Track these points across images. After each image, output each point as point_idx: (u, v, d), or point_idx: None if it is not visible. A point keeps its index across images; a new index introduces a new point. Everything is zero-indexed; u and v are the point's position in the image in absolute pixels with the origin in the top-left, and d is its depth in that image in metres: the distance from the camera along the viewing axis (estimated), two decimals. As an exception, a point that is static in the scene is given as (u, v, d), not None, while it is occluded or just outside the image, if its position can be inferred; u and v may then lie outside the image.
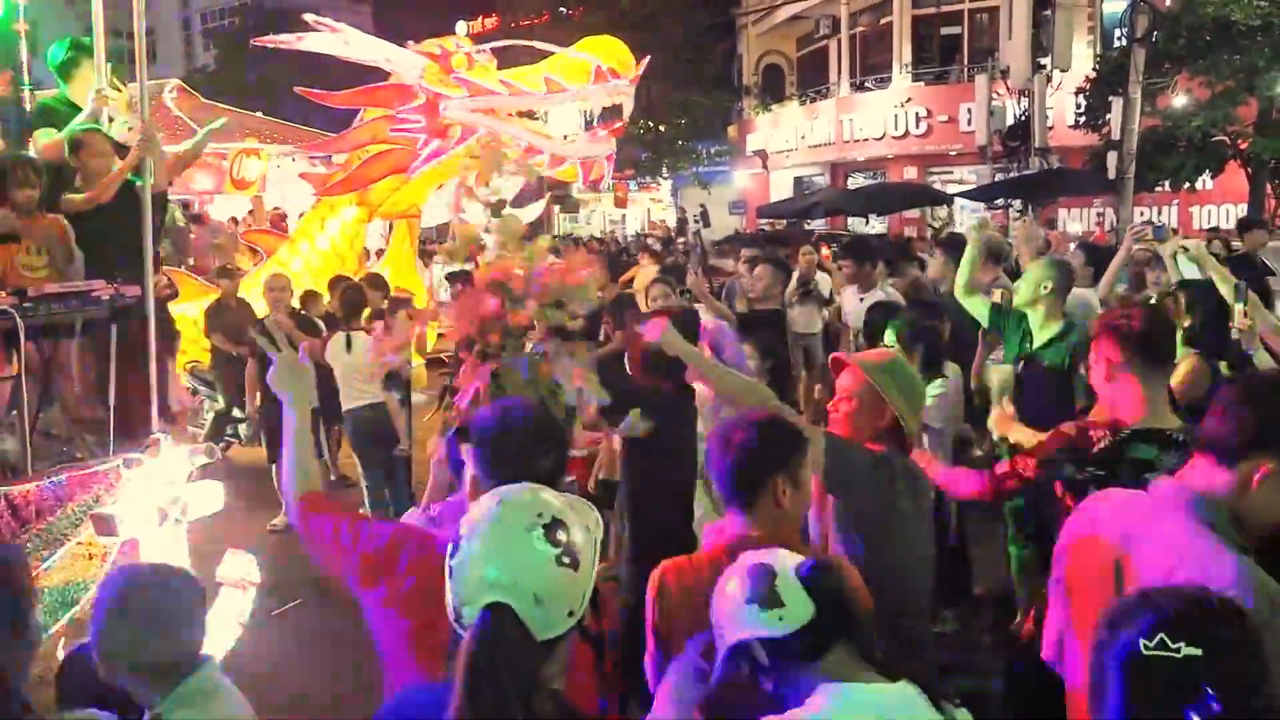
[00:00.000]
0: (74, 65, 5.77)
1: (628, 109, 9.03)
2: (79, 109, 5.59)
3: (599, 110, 8.89)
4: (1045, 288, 4.66)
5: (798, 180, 31.98)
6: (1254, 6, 16.93)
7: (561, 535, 1.68)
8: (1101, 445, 2.90)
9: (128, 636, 2.17)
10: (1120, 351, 2.94)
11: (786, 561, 1.91)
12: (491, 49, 9.02)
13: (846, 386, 3.04)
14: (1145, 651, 1.43)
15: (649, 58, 9.19)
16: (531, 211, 12.48)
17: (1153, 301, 5.85)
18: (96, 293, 4.46)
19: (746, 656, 1.85)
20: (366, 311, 7.25)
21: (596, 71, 8.60)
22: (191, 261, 12.31)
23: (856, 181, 29.12)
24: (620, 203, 34.59)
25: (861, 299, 6.65)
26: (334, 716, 4.83)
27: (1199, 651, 1.41)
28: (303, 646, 5.60)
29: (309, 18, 8.81)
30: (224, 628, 4.41)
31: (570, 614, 1.66)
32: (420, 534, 2.38)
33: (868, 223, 26.66)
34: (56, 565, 4.05)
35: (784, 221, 25.51)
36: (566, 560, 1.66)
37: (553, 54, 9.11)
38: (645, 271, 9.54)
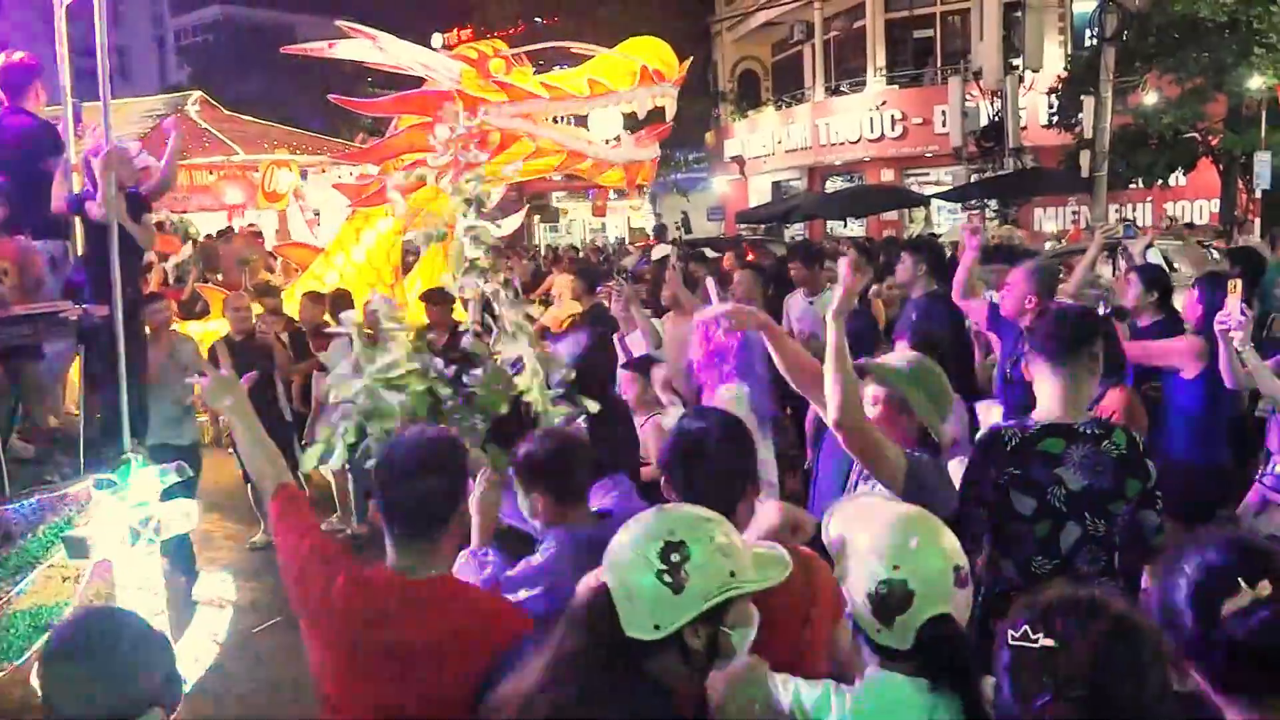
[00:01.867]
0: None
1: (670, 111, 8.77)
2: None
3: (644, 113, 8.63)
4: (1029, 302, 4.68)
5: (775, 185, 32.09)
6: (1221, 4, 17.12)
7: (675, 557, 1.78)
8: (1013, 443, 2.95)
9: (66, 686, 2.02)
10: (1033, 348, 3.05)
11: (932, 604, 1.91)
12: (527, 52, 8.75)
13: (873, 394, 3.03)
14: (1011, 642, 1.51)
15: (690, 60, 8.98)
16: (511, 222, 12.29)
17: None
18: (64, 314, 4.43)
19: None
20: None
21: (642, 73, 8.32)
22: (220, 277, 12.20)
23: (834, 185, 29.25)
24: (599, 211, 34.60)
25: (811, 302, 6.67)
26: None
27: (1053, 642, 1.48)
28: (280, 665, 5.57)
29: (342, 24, 8.48)
30: (201, 647, 4.39)
31: (656, 627, 1.75)
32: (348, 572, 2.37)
33: (845, 225, 26.78)
34: (29, 589, 4.02)
35: (762, 227, 25.60)
36: (668, 579, 1.76)
37: (594, 56, 8.84)
38: (559, 280, 9.47)
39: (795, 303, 7.02)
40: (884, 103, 27.11)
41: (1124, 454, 2.93)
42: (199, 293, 10.60)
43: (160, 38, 59.56)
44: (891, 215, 25.74)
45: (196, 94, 16.44)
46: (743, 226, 27.01)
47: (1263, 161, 17.19)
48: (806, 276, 6.95)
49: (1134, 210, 23.21)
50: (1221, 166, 19.62)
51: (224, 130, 15.83)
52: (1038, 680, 1.46)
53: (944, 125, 24.25)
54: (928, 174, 27.47)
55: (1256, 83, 17.43)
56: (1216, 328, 4.01)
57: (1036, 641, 1.48)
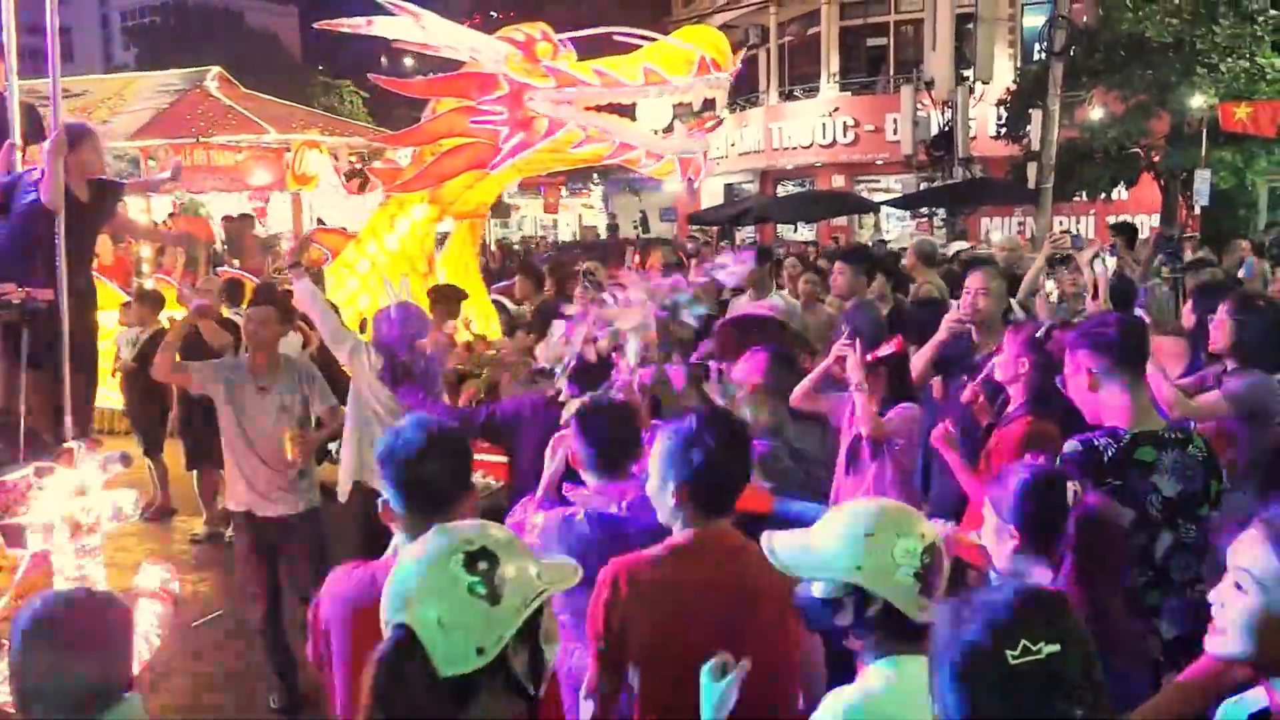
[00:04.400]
0: None
1: (721, 102, 8.37)
2: None
3: (699, 103, 8.28)
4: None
5: (728, 187, 32.24)
6: (1166, 24, 17.50)
7: (484, 565, 1.61)
8: (1109, 455, 2.93)
9: (43, 664, 2.03)
10: (1101, 360, 3.04)
11: (946, 555, 2.00)
12: (572, 38, 8.30)
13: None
14: (1012, 662, 1.38)
15: (745, 50, 8.60)
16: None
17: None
18: (6, 296, 4.33)
19: (856, 602, 1.92)
20: None
21: (700, 62, 7.87)
22: (236, 263, 11.83)
23: (786, 189, 29.46)
24: (551, 208, 34.51)
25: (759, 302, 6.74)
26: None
27: (1057, 646, 1.39)
28: (221, 659, 5.49)
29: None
30: (141, 640, 4.31)
31: (480, 651, 1.56)
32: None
33: (796, 230, 26.98)
34: (-37, 578, 3.92)
35: (714, 228, 25.70)
36: (482, 591, 1.58)
37: (649, 43, 8.38)
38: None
39: (742, 304, 7.07)
40: (836, 109, 27.36)
41: (1207, 456, 3.00)
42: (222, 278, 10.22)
43: (105, 17, 58.33)
44: (841, 221, 25.98)
45: (216, 69, 15.68)
46: (694, 227, 27.11)
47: (1203, 178, 17.60)
48: (755, 277, 7.00)
49: (1077, 223, 23.65)
50: (1163, 182, 20.08)
51: (247, 107, 15.17)
52: (1058, 687, 1.38)
53: (895, 133, 24.53)
54: (878, 181, 27.77)
55: (1198, 101, 17.85)
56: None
57: (1040, 651, 1.38)
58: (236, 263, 11.77)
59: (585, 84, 7.85)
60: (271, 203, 16.32)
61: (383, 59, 43.00)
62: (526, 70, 7.84)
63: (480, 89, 7.90)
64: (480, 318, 8.32)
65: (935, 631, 1.50)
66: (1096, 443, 2.95)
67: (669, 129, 8.15)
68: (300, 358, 6.36)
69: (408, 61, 42.33)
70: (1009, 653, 1.38)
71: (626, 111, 8.00)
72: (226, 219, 14.84)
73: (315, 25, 9.06)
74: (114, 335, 8.26)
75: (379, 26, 8.03)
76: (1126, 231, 8.83)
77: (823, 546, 1.96)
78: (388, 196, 9.05)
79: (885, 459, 4.06)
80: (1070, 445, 2.99)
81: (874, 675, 1.92)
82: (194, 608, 5.94)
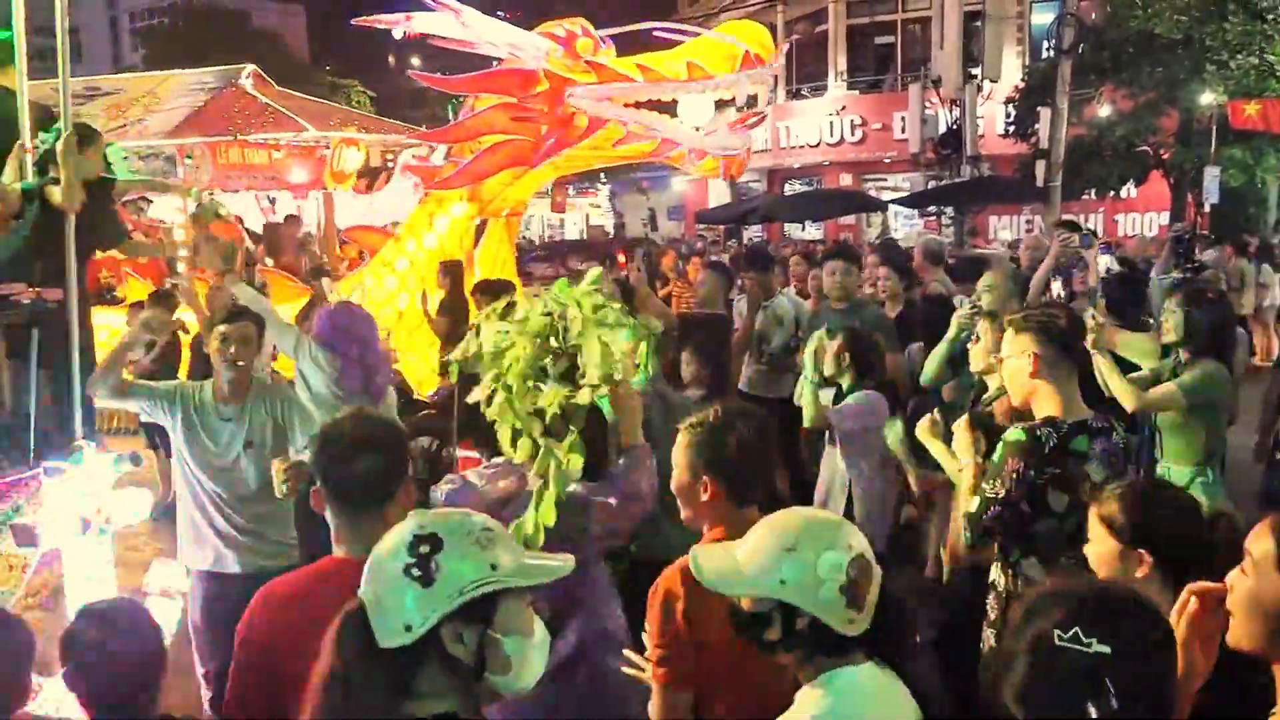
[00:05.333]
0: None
1: (763, 98, 8.22)
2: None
3: (743, 99, 7.98)
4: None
5: (735, 186, 32.19)
6: (1175, 21, 17.45)
7: (425, 549, 1.69)
8: (1050, 444, 3.04)
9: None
10: (1048, 349, 3.11)
11: (875, 566, 1.90)
12: (611, 34, 8.13)
13: None
14: (1058, 642, 1.48)
15: (786, 45, 8.39)
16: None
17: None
18: (16, 296, 4.35)
19: (784, 617, 1.86)
20: None
21: (744, 57, 7.67)
22: (268, 261, 11.76)
23: (793, 188, 29.42)
24: (558, 207, 34.50)
25: (765, 306, 6.72)
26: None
27: (1108, 649, 1.45)
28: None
29: None
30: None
31: (408, 628, 1.65)
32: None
33: (803, 229, 26.95)
34: (-26, 577, 3.93)
35: (721, 228, 25.69)
36: (416, 574, 1.67)
37: (689, 38, 8.22)
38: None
39: (748, 305, 7.08)
40: (844, 108, 27.31)
41: (1127, 444, 3.14)
42: (261, 276, 10.20)
43: (114, 19, 58.50)
44: (849, 219, 25.94)
45: (250, 67, 15.39)
46: (702, 226, 27.10)
47: (1212, 176, 17.55)
48: (759, 282, 6.99)
49: (1086, 221, 23.57)
50: (1172, 180, 20.01)
51: (284, 104, 14.98)
52: (1090, 684, 1.44)
53: (903, 131, 24.47)
54: (885, 179, 27.73)
55: (1208, 99, 17.80)
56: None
57: (1090, 646, 1.46)
58: (270, 261, 11.70)
59: (628, 80, 7.69)
60: (300, 201, 16.21)
61: (390, 58, 43.10)
62: (567, 66, 7.69)
63: (521, 85, 7.76)
64: None
65: (1023, 603, 1.60)
66: (1039, 432, 3.06)
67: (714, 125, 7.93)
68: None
69: (415, 61, 42.42)
70: (1058, 633, 1.48)
71: (666, 108, 7.82)
72: (269, 224, 14.74)
73: (352, 22, 8.91)
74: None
75: (419, 23, 7.89)
76: (1073, 230, 8.63)
77: (748, 562, 1.90)
78: (427, 194, 8.88)
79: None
80: (1014, 434, 3.09)
81: (809, 703, 1.86)
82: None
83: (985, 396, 4.25)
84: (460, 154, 8.47)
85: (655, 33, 8.13)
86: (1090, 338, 4.12)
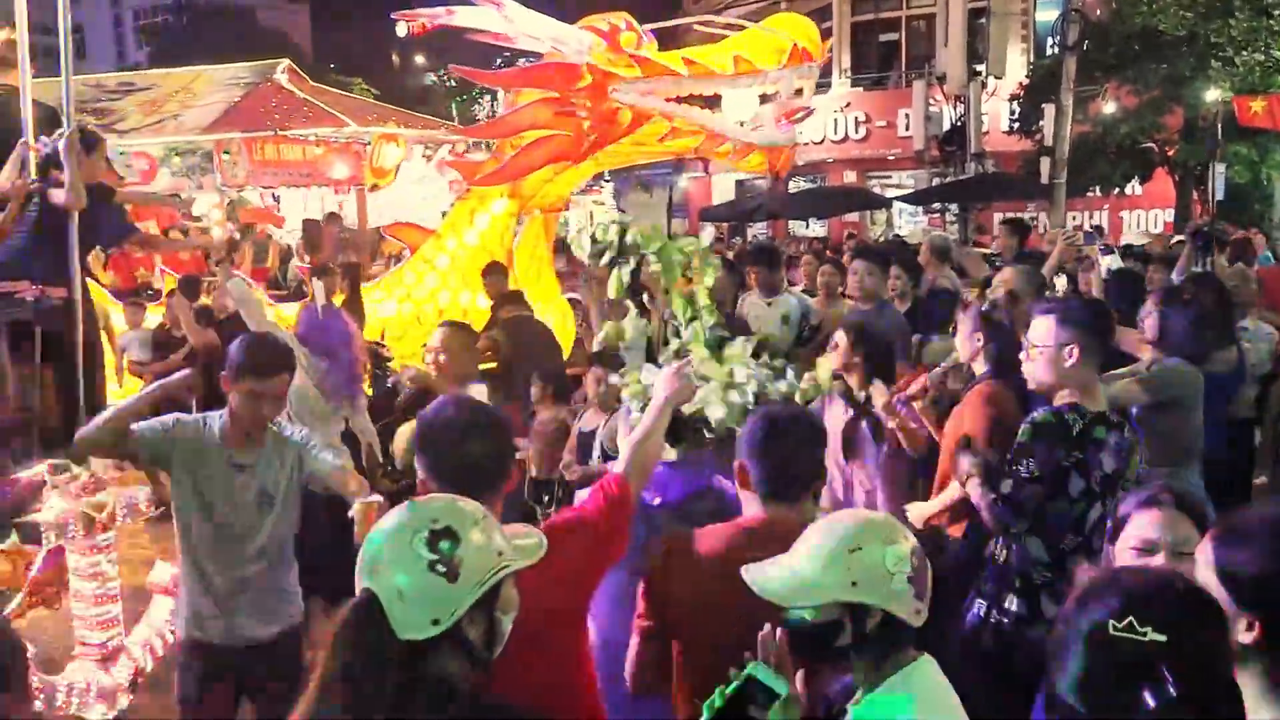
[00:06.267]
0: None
1: (809, 93, 8.07)
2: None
3: (789, 94, 7.83)
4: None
5: (739, 183, 32.16)
6: (1180, 17, 17.39)
7: (445, 544, 1.73)
8: (1076, 429, 3.15)
9: None
10: (1090, 341, 3.24)
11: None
12: (653, 29, 7.98)
13: None
14: (1113, 631, 1.48)
15: (830, 42, 8.23)
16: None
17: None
18: (20, 294, 4.36)
19: (856, 624, 1.89)
20: None
21: (793, 51, 7.55)
22: (307, 259, 11.74)
23: (797, 185, 29.38)
24: (565, 205, 34.42)
25: (769, 303, 6.70)
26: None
27: (1164, 638, 1.45)
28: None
29: None
30: (156, 636, 4.33)
31: (435, 622, 1.69)
32: None
33: (808, 226, 26.92)
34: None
35: (726, 225, 25.66)
36: (441, 569, 1.71)
37: (741, 30, 8.08)
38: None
39: (753, 302, 7.05)
40: (848, 104, 27.27)
41: (1134, 438, 3.24)
42: (299, 274, 10.19)
43: (118, 17, 58.54)
44: (853, 216, 25.91)
45: (285, 62, 15.39)
46: (705, 224, 27.08)
47: (1218, 174, 17.51)
48: (765, 278, 6.98)
49: (1090, 218, 23.55)
50: (1177, 177, 19.97)
51: (320, 98, 15.04)
52: (1145, 672, 1.45)
53: (907, 128, 24.45)
54: (890, 176, 27.68)
55: (1213, 95, 17.74)
56: None
57: (1145, 635, 1.46)
58: (307, 259, 11.69)
59: (674, 74, 7.58)
60: (380, 197, 16.15)
61: (394, 56, 43.12)
62: (611, 60, 7.56)
63: (564, 80, 7.65)
64: (556, 315, 8.20)
65: (1076, 592, 1.61)
66: (1066, 416, 3.17)
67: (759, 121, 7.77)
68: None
69: (419, 59, 42.42)
70: (1113, 623, 1.48)
71: (709, 103, 7.70)
72: (308, 221, 14.59)
73: (393, 16, 8.78)
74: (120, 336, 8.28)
75: (461, 16, 7.76)
76: (1019, 230, 8.49)
77: (809, 570, 1.92)
78: (467, 191, 8.78)
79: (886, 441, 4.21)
80: (1042, 414, 3.22)
81: (894, 707, 1.88)
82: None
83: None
84: (501, 150, 8.38)
85: (695, 27, 8.02)
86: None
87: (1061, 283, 6.87)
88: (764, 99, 7.66)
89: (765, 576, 1.98)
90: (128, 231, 6.08)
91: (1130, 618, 1.47)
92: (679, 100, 7.55)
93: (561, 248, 9.84)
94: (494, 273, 7.74)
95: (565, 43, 7.59)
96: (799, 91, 7.89)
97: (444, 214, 10.62)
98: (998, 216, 24.77)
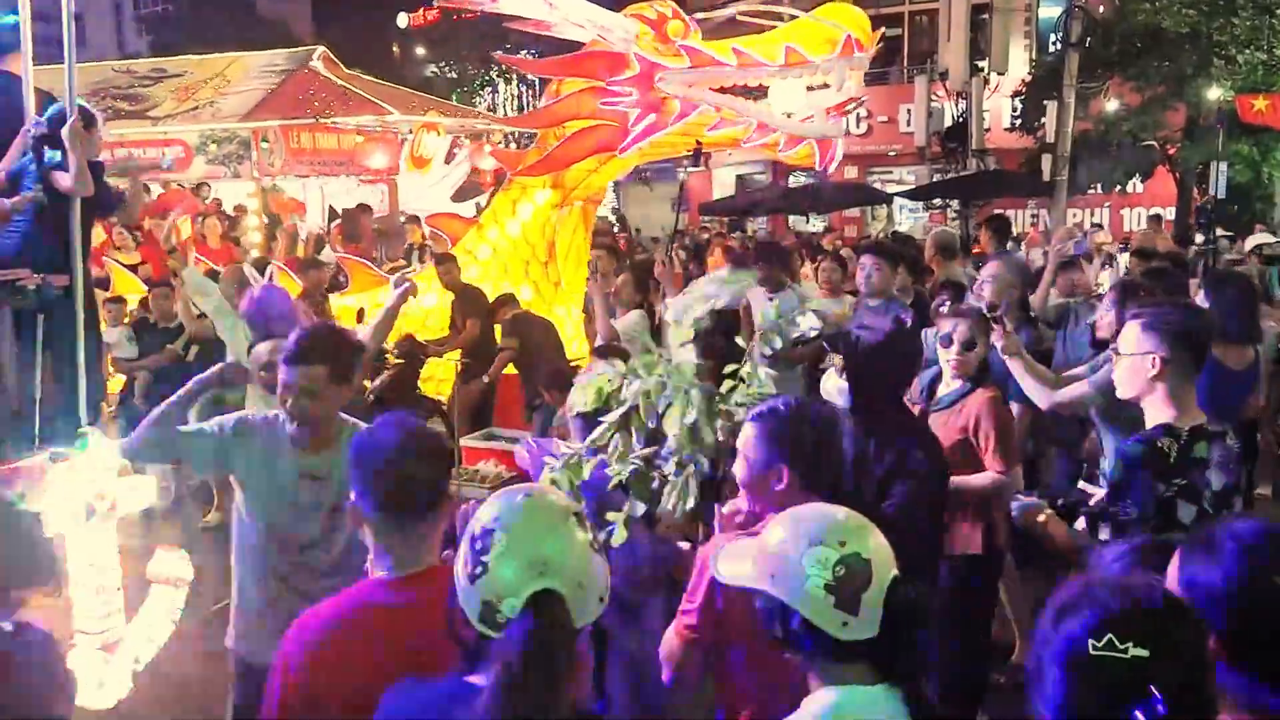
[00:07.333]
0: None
1: (857, 84, 8.01)
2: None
3: (839, 85, 7.71)
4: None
5: (739, 178, 32.12)
6: (1183, 15, 17.38)
7: (586, 525, 1.76)
8: (1173, 455, 2.90)
9: None
10: (1176, 351, 2.98)
11: (886, 569, 1.80)
12: (700, 18, 7.90)
13: None
14: (1092, 652, 1.41)
15: (881, 30, 7.97)
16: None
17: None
18: (22, 281, 4.34)
19: (782, 619, 1.82)
20: None
21: (845, 42, 7.41)
22: (337, 250, 11.68)
23: (798, 180, 29.32)
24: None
25: (771, 299, 6.69)
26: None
27: (1146, 652, 1.39)
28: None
29: None
30: (155, 626, 4.31)
31: (601, 600, 1.70)
32: None
33: (808, 221, 26.89)
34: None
35: (727, 219, 25.62)
36: (596, 547, 1.73)
37: (792, 20, 8.02)
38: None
39: (756, 298, 7.03)
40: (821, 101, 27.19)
41: (1238, 448, 3.01)
42: (340, 264, 10.21)
43: (118, 5, 58.34)
44: (854, 212, 25.87)
45: (320, 49, 15.26)
46: (706, 219, 27.03)
47: (1220, 172, 17.51)
48: (768, 273, 6.97)
49: (1091, 215, 23.54)
50: (1178, 176, 19.96)
51: (356, 84, 14.92)
52: (1131, 690, 1.38)
53: (908, 124, 24.41)
54: (891, 172, 27.64)
55: (1215, 94, 17.74)
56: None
57: (1126, 652, 1.39)
58: (340, 248, 11.64)
59: (722, 64, 7.47)
60: (363, 190, 16.00)
61: (394, 47, 42.97)
62: (658, 50, 7.49)
63: (609, 69, 7.58)
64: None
65: (1048, 610, 1.52)
66: (1160, 443, 2.91)
67: (810, 112, 7.66)
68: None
69: (419, 51, 42.28)
70: (1092, 642, 1.41)
71: (754, 93, 7.65)
72: (347, 210, 14.48)
73: (434, 3, 8.74)
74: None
75: (505, 4, 7.70)
76: (999, 228, 8.54)
77: (756, 553, 1.89)
78: (510, 181, 8.72)
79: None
80: (1132, 449, 2.94)
81: (809, 713, 1.81)
82: (207, 596, 5.95)
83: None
84: (544, 140, 8.30)
85: (739, 16, 8.01)
86: (1001, 343, 4.15)
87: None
88: (810, 89, 7.60)
89: (724, 555, 2.00)
90: (118, 202, 6.06)
91: (1109, 635, 1.40)
92: (721, 90, 7.47)
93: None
94: (448, 260, 7.84)
95: (611, 31, 7.52)
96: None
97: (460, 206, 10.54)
98: (998, 213, 24.83)
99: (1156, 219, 18.84)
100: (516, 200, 8.49)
